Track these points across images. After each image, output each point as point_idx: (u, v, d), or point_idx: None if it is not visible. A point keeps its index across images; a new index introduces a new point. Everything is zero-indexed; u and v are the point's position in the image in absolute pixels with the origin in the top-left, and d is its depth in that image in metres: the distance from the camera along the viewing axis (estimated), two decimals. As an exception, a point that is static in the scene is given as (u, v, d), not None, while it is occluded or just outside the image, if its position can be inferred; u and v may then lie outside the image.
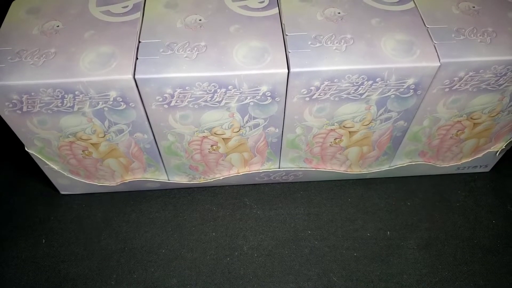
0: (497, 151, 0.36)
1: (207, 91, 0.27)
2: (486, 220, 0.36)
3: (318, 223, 0.36)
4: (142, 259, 0.34)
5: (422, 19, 0.29)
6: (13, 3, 0.30)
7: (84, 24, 0.29)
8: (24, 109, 0.28)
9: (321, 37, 0.28)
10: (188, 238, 0.35)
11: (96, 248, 0.34)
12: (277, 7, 0.30)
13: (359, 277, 0.33)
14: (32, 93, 0.27)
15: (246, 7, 0.30)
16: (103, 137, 0.31)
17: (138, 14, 0.29)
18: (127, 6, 0.30)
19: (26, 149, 0.32)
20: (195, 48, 0.27)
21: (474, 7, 0.29)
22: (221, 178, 0.36)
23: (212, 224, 0.36)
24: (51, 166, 0.33)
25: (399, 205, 0.37)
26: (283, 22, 0.29)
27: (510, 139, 0.35)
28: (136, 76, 0.26)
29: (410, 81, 0.28)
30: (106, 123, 0.29)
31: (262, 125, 0.31)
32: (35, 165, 0.34)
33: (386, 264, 0.33)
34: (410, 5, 0.30)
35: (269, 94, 0.28)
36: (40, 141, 0.31)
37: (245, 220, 0.36)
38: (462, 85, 0.28)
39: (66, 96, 0.27)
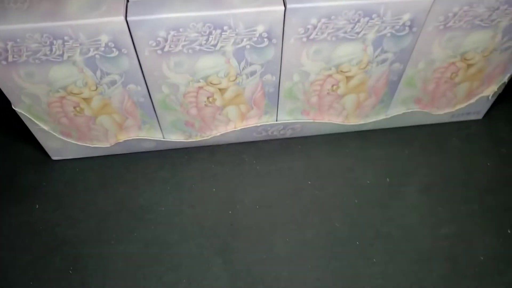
0: (489, 95, 0.36)
1: (202, 32, 0.26)
2: (482, 163, 0.36)
3: (318, 174, 0.35)
4: (141, 218, 0.33)
5: None
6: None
7: (69, -32, 0.27)
8: (10, 59, 0.26)
9: (316, -27, 0.27)
10: (188, 195, 0.34)
11: (92, 210, 0.33)
12: None
13: (361, 222, 0.33)
14: (18, 40, 0.25)
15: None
16: (95, 90, 0.30)
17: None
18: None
19: (13, 107, 0.30)
20: (188, -12, 0.26)
21: None
22: (218, 134, 0.35)
23: (211, 181, 0.35)
24: (41, 127, 0.32)
25: (397, 154, 0.37)
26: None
27: (502, 81, 0.35)
28: (128, 18, 0.25)
29: (406, 17, 0.27)
30: (98, 73, 0.28)
31: (259, 72, 0.30)
32: (24, 130, 0.32)
33: (387, 209, 0.34)
34: None
35: (265, 35, 0.27)
36: (28, 97, 0.29)
37: (244, 175, 0.35)
38: (456, 21, 0.29)
39: (54, 42, 0.26)
